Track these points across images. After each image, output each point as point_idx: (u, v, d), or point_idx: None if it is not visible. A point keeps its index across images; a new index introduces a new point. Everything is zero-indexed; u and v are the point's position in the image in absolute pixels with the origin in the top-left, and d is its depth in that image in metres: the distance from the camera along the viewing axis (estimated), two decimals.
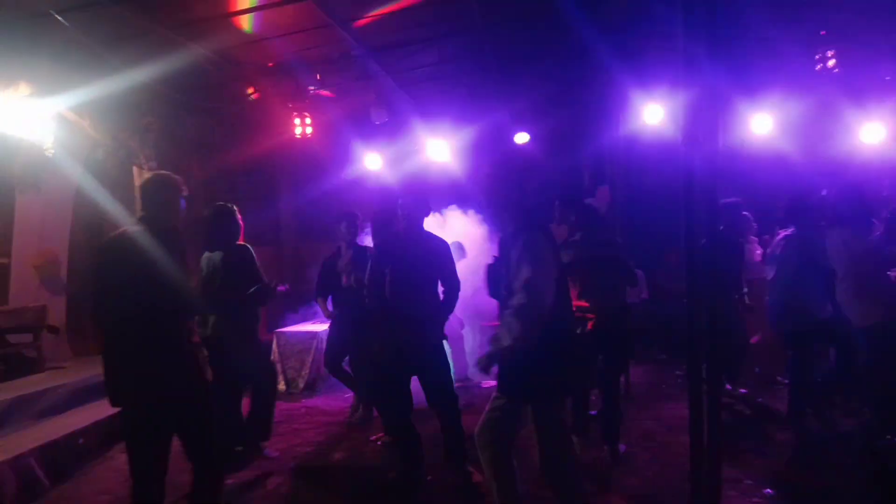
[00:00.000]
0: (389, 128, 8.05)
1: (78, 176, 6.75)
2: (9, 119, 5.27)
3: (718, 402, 2.64)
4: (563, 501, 2.98)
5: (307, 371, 6.99)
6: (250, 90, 7.16)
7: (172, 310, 2.96)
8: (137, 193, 3.12)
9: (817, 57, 6.07)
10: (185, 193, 3.17)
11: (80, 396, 5.49)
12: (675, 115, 6.54)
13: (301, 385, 6.91)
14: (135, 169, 7.15)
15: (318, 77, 7.00)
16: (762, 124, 6.99)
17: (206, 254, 4.61)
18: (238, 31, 5.73)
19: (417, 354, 3.98)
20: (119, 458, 4.88)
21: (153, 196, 3.09)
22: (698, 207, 2.71)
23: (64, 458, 4.57)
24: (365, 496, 4.06)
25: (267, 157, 8.50)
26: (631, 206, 7.81)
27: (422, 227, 4.21)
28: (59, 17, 4.90)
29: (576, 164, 8.65)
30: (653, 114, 6.98)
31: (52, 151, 5.82)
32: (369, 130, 8.11)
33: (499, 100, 7.60)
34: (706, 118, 2.71)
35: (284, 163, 9.58)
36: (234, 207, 4.62)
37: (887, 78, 6.30)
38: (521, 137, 8.15)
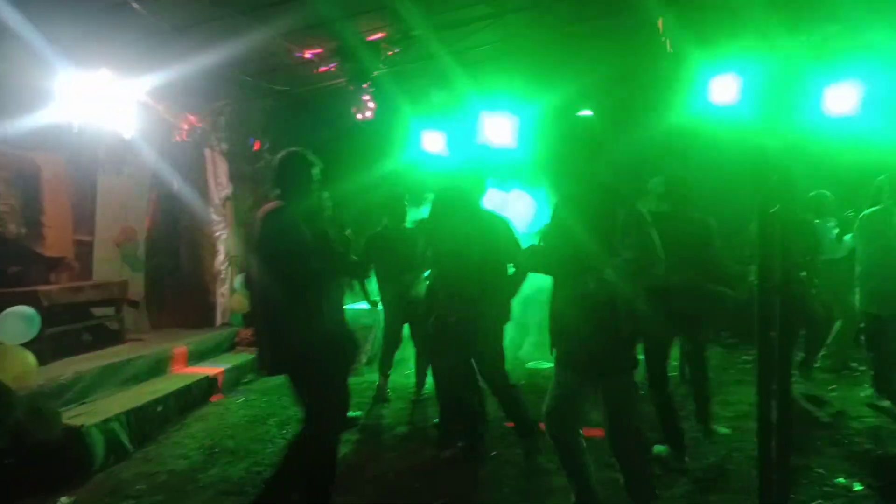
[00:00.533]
0: (449, 108, 8.03)
1: (154, 158, 7.09)
2: (93, 105, 5.56)
3: (788, 389, 2.56)
4: (628, 480, 2.98)
5: (369, 346, 7.16)
6: (321, 70, 7.26)
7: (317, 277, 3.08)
8: (272, 169, 3.30)
9: None
10: (315, 167, 3.28)
11: (158, 366, 5.83)
12: (750, 89, 6.27)
13: (363, 360, 7.08)
14: (207, 151, 7.43)
15: (381, 58, 7.05)
16: (844, 98, 6.59)
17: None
18: (305, 13, 5.82)
19: (464, 332, 3.99)
20: (195, 426, 5.17)
21: (286, 172, 3.22)
22: (772, 185, 2.62)
23: (145, 423, 4.87)
24: (427, 468, 4.15)
25: (332, 139, 8.64)
26: (699, 184, 7.54)
27: (478, 206, 4.21)
28: (136, 5, 5.12)
29: (642, 141, 8.42)
30: (725, 88, 6.69)
31: (131, 135, 6.12)
32: (430, 111, 8.12)
33: (562, 77, 7.46)
34: (782, 91, 2.60)
35: (348, 145, 9.73)
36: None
37: None
38: (585, 114, 7.97)
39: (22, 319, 4.51)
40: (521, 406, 4.09)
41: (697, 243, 4.07)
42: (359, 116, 7.62)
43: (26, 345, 4.56)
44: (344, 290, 4.12)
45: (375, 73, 7.20)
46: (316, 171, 3.33)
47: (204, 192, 7.47)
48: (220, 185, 7.45)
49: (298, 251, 3.01)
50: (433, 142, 8.54)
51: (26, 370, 4.44)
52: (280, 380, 6.52)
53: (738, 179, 4.25)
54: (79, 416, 4.48)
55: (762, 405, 2.55)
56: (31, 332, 4.58)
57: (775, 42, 2.58)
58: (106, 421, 4.46)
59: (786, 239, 2.57)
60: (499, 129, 8.05)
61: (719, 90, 6.67)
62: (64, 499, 3.79)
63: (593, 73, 7.41)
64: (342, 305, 3.78)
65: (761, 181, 2.60)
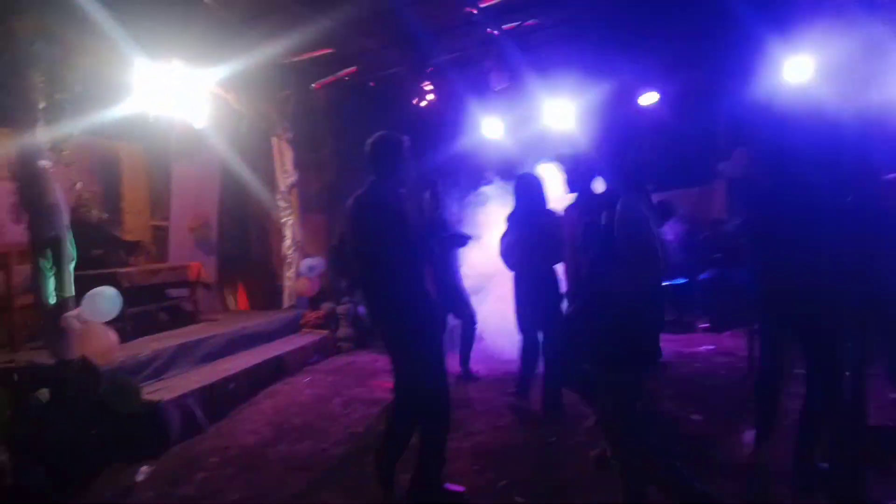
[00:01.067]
0: (510, 93, 7.98)
1: (224, 147, 7.36)
2: (166, 96, 5.81)
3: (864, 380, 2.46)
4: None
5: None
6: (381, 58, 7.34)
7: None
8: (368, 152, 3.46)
9: None
10: (403, 146, 3.47)
11: (230, 346, 6.09)
12: (825, 69, 5.94)
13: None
14: (273, 139, 7.65)
15: (441, 45, 7.06)
16: None
17: None
18: (367, 2, 5.89)
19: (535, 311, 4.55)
20: (264, 403, 5.39)
21: (376, 155, 3.40)
22: (849, 170, 2.51)
23: (218, 400, 5.10)
24: (488, 454, 4.16)
25: (394, 127, 8.72)
26: (770, 168, 7.23)
27: (535, 203, 4.61)
28: None
29: (709, 124, 8.14)
30: (797, 68, 6.37)
31: (202, 125, 6.36)
32: (490, 96, 8.08)
33: (624, 60, 7.27)
34: (861, 71, 2.48)
35: (408, 132, 9.81)
36: None
37: None
38: (649, 98, 7.78)
39: (107, 299, 4.79)
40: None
41: None
42: (419, 103, 7.67)
43: (109, 323, 4.86)
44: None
45: (435, 59, 7.23)
46: (404, 149, 3.49)
47: (271, 179, 7.72)
48: (287, 172, 7.67)
49: (390, 226, 3.19)
50: (492, 127, 8.52)
51: (110, 347, 4.73)
52: (343, 361, 6.79)
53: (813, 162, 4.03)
54: (157, 391, 4.74)
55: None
56: (115, 311, 4.87)
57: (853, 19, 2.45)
58: (182, 397, 4.70)
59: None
60: (561, 113, 7.93)
61: (794, 69, 6.37)
62: (144, 468, 4.04)
63: (660, 52, 7.19)
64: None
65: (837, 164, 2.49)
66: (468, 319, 5.86)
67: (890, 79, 5.70)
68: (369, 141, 3.46)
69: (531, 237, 4.57)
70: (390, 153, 3.43)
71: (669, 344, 6.29)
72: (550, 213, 4.52)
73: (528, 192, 4.69)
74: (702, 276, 7.12)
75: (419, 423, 3.32)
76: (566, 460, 3.92)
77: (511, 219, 4.81)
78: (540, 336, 4.78)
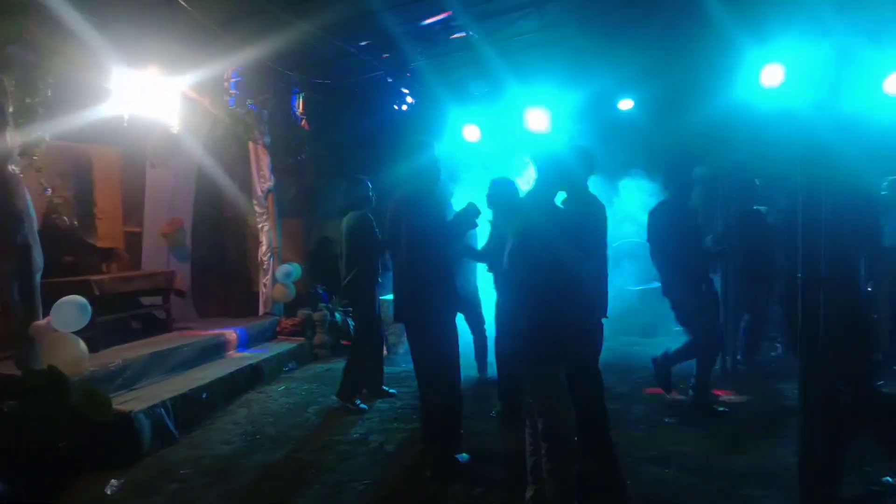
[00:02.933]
0: (490, 98, 7.99)
1: (200, 152, 7.26)
2: (141, 100, 5.71)
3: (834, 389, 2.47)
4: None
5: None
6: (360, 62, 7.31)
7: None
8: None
9: None
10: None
11: (204, 354, 5.99)
12: (798, 76, 6.03)
13: (401, 350, 7.14)
14: (250, 144, 7.57)
15: (420, 50, 7.05)
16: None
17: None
18: (345, 6, 5.86)
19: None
20: (238, 412, 5.31)
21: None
22: (820, 174, 2.53)
23: (191, 409, 5.01)
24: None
25: (372, 132, 8.71)
26: (746, 172, 7.33)
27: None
28: (182, 2, 5.24)
29: (685, 130, 8.23)
30: (771, 75, 6.47)
31: (178, 129, 6.26)
32: (469, 101, 8.10)
33: (602, 65, 7.33)
34: (832, 78, 2.51)
35: (388, 136, 9.78)
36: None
37: None
38: (626, 104, 7.85)
39: (75, 308, 4.67)
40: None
41: None
42: (398, 107, 7.64)
43: (79, 333, 4.74)
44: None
45: (414, 64, 7.21)
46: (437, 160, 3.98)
47: (247, 184, 7.63)
48: (263, 177, 7.59)
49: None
50: (472, 132, 8.54)
51: (79, 357, 4.61)
52: (320, 369, 6.72)
53: (788, 166, 4.09)
54: (128, 401, 4.64)
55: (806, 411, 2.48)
56: (84, 320, 4.75)
57: (827, 26, 2.49)
58: (153, 407, 4.61)
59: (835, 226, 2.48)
60: (540, 118, 7.98)
61: (769, 74, 6.46)
62: (114, 481, 3.93)
63: (635, 60, 7.25)
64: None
65: (808, 165, 2.51)
66: (480, 332, 6.01)
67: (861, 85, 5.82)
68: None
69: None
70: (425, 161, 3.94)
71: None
72: None
73: (505, 197, 4.68)
74: None
75: (434, 402, 3.83)
76: None
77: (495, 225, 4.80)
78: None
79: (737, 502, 3.39)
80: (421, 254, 3.72)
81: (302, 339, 7.21)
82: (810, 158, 2.53)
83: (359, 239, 5.16)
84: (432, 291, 3.72)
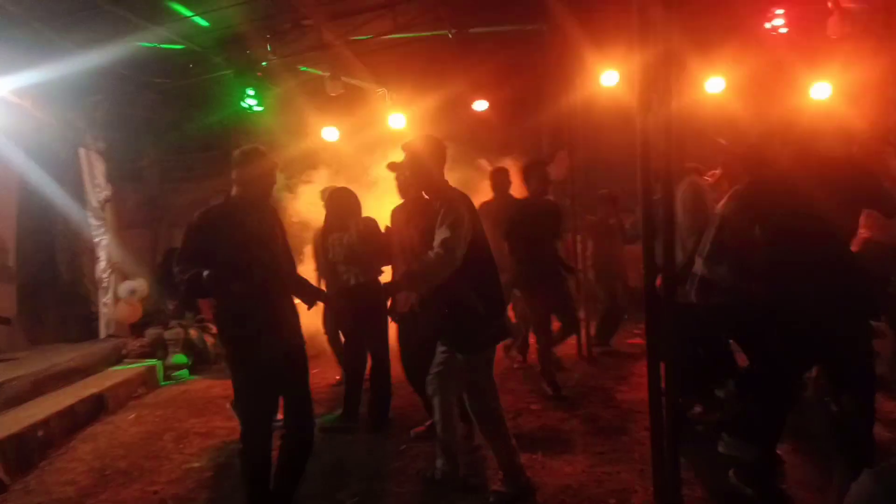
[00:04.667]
0: (346, 99, 7.87)
1: (22, 160, 6.46)
2: None
3: (677, 373, 2.68)
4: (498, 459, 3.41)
5: None
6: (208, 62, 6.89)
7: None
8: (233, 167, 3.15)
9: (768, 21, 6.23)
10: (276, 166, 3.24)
11: (37, 387, 5.35)
12: (631, 78, 6.54)
13: None
14: (81, 150, 6.88)
15: (270, 49, 6.77)
16: (715, 85, 7.03)
17: None
18: (188, 5, 5.50)
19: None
20: (82, 448, 4.79)
21: (245, 169, 3.11)
22: (654, 171, 2.74)
23: (24, 451, 4.44)
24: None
25: (222, 133, 8.25)
26: (590, 170, 7.85)
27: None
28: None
29: (534, 129, 8.65)
30: (609, 77, 6.96)
31: None
32: (326, 102, 7.92)
33: (457, 68, 7.49)
34: (661, 81, 2.71)
35: (240, 138, 9.33)
36: None
37: (834, 37, 6.37)
38: (480, 105, 8.08)
39: None
40: None
41: None
42: (247, 107, 7.31)
43: None
44: None
45: (264, 63, 6.93)
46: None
47: (80, 194, 6.91)
48: (98, 186, 6.92)
49: None
50: (330, 133, 8.39)
51: None
52: (176, 391, 6.26)
53: (626, 163, 4.41)
54: None
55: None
56: None
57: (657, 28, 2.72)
58: None
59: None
60: (398, 119, 8.01)
61: (605, 78, 6.95)
62: None
63: (487, 64, 7.49)
64: None
65: (644, 166, 2.71)
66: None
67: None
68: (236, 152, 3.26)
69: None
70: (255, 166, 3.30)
71: None
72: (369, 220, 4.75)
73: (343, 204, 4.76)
74: None
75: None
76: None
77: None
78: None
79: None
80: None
81: (153, 360, 6.67)
82: (644, 154, 2.73)
83: None
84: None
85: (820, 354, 3.09)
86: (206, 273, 2.79)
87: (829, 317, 2.81)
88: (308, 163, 7.98)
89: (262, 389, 3.04)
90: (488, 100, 8.08)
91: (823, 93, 6.62)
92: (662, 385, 2.65)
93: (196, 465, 4.32)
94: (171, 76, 7.27)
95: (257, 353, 2.99)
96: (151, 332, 6.91)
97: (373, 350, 4.78)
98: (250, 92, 7.14)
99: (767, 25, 6.49)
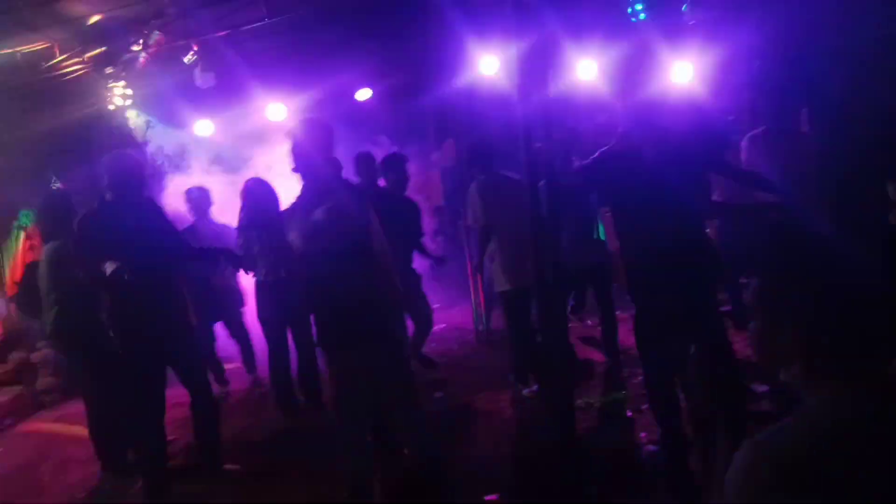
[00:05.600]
0: (221, 91, 7.47)
1: None
2: None
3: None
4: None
5: None
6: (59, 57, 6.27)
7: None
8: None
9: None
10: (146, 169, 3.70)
11: None
12: (510, 65, 6.68)
13: None
14: None
15: (132, 39, 6.27)
16: (587, 70, 7.30)
17: None
18: None
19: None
20: None
21: (114, 174, 3.44)
22: (535, 153, 2.82)
23: None
24: None
25: (81, 131, 7.57)
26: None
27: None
28: None
29: (419, 118, 8.65)
30: (488, 65, 7.04)
31: None
32: (198, 95, 7.49)
33: (337, 56, 7.31)
34: (538, 67, 2.78)
35: (102, 136, 8.61)
36: None
37: (692, 23, 6.82)
38: (364, 94, 7.96)
39: None
40: None
41: None
42: (109, 106, 6.77)
43: None
44: None
45: (126, 56, 6.42)
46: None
47: None
48: None
49: None
50: (204, 127, 7.97)
51: None
52: (50, 417, 5.74)
53: (509, 148, 4.50)
54: None
55: None
56: None
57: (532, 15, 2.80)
58: None
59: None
60: (278, 111, 7.74)
61: (485, 65, 7.04)
62: None
63: (372, 51, 7.38)
64: None
65: (527, 149, 2.77)
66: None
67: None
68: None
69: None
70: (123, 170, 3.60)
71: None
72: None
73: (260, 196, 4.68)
74: None
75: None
76: None
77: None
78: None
79: None
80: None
81: (20, 387, 6.05)
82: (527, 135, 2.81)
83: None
84: None
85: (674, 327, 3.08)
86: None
87: (679, 285, 2.93)
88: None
89: (147, 382, 3.54)
90: (372, 88, 7.97)
91: (685, 75, 7.07)
92: None
93: (81, 494, 3.99)
94: (16, 76, 6.55)
95: (135, 344, 3.48)
96: (16, 356, 6.26)
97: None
98: (112, 87, 6.62)
99: (629, 11, 6.84)
